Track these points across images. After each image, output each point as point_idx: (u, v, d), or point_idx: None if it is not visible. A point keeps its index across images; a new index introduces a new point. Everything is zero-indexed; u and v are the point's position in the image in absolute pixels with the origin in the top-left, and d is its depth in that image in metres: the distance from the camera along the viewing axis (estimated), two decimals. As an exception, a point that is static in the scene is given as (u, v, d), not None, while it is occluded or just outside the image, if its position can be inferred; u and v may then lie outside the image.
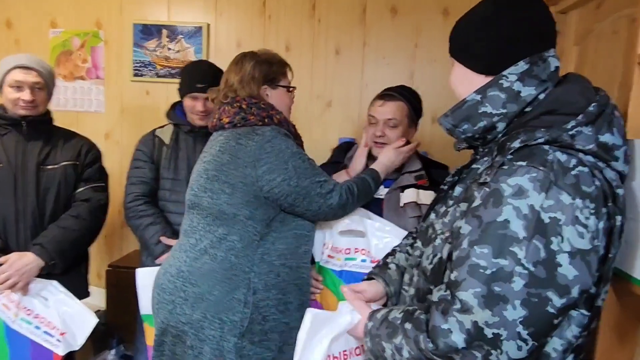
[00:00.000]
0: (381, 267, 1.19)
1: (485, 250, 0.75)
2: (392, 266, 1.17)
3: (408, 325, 0.84)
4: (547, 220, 0.73)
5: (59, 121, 2.76)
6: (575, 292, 0.74)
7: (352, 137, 2.41)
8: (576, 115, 0.80)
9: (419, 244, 1.04)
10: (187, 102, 1.86)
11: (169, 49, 2.57)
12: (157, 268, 1.80)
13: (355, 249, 1.53)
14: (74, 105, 2.69)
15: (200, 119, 1.85)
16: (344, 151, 1.85)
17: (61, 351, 1.59)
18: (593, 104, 0.82)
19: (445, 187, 0.99)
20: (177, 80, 2.62)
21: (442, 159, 1.82)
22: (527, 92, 0.85)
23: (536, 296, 0.73)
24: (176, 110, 1.94)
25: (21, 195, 1.68)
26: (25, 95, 1.65)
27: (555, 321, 0.76)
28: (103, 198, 1.83)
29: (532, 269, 0.73)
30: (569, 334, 0.81)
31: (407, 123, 1.67)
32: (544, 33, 0.89)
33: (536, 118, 0.84)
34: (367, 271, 1.50)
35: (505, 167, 0.79)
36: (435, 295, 0.83)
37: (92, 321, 1.68)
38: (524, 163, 0.77)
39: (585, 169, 0.77)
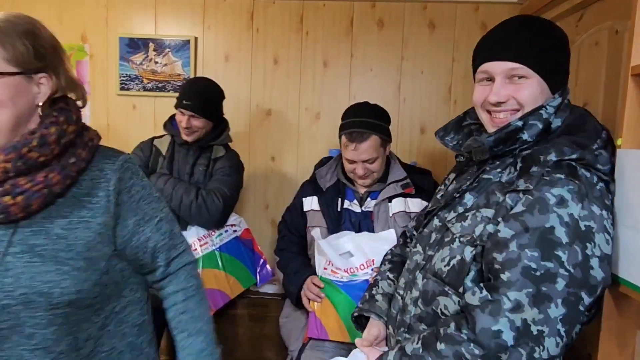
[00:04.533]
0: (369, 301, 1.24)
1: (536, 253, 0.84)
2: (379, 297, 1.23)
3: (440, 346, 0.87)
4: (583, 228, 0.84)
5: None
6: (599, 290, 0.85)
7: (342, 148, 2.41)
8: (590, 139, 0.92)
9: (418, 248, 1.09)
10: (177, 116, 1.89)
11: (156, 62, 2.55)
12: None
13: (357, 267, 1.54)
14: (59, 120, 2.65)
15: (185, 134, 1.88)
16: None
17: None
18: (604, 132, 0.95)
19: (457, 195, 1.04)
20: (164, 94, 2.63)
21: (430, 168, 1.84)
22: (556, 123, 0.96)
23: (573, 295, 0.82)
24: (173, 122, 1.98)
25: None
26: None
27: (582, 318, 0.85)
28: None
29: (572, 270, 0.82)
30: (573, 333, 0.88)
31: (383, 151, 1.70)
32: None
33: (557, 137, 0.95)
34: (369, 278, 1.51)
35: (547, 177, 0.88)
36: (472, 299, 0.88)
37: None
38: (562, 176, 0.87)
39: (603, 185, 0.89)
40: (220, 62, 2.57)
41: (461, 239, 0.95)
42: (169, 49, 2.54)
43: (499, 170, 0.99)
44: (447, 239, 0.99)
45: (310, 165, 1.90)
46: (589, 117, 0.99)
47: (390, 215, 1.67)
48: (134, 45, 2.56)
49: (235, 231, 2.01)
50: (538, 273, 0.83)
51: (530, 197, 0.87)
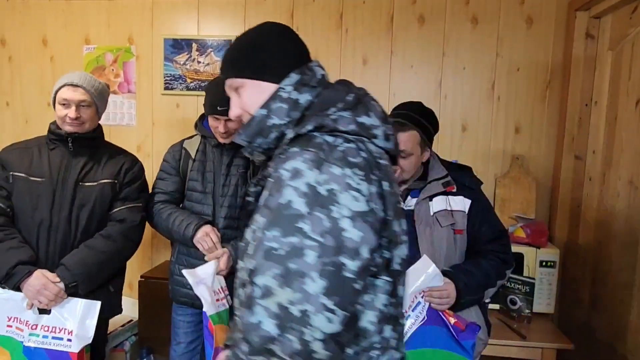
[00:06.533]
0: None
1: (275, 232, 0.80)
2: None
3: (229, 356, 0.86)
4: (324, 193, 0.80)
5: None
6: (365, 252, 0.80)
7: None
8: (329, 104, 0.93)
9: (240, 264, 1.05)
10: (210, 121, 1.87)
11: (199, 62, 2.62)
12: (204, 265, 1.73)
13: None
14: (107, 119, 2.76)
15: (223, 138, 1.86)
16: None
17: (75, 348, 1.64)
18: (350, 94, 0.95)
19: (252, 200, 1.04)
20: (207, 93, 2.67)
21: (473, 167, 1.80)
22: (304, 98, 0.96)
23: (330, 264, 0.77)
24: (204, 122, 1.95)
25: (57, 209, 1.70)
26: (71, 112, 1.69)
27: (356, 285, 0.79)
28: (137, 219, 1.81)
29: (320, 239, 0.78)
30: (379, 304, 0.87)
31: (419, 150, 1.64)
32: (305, 52, 1.05)
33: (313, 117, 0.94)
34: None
35: (283, 155, 0.88)
36: (242, 297, 0.88)
37: (96, 305, 1.70)
38: (297, 149, 0.86)
39: (352, 145, 0.87)
40: (260, 61, 2.60)
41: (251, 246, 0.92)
42: (211, 49, 2.60)
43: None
44: (245, 249, 0.96)
45: (349, 163, 1.90)
46: (344, 86, 0.99)
47: (432, 214, 1.63)
48: (177, 46, 2.63)
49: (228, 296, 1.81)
50: (282, 252, 0.78)
51: (271, 180, 0.87)
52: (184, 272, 1.74)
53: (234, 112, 1.04)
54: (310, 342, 0.75)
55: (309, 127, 0.89)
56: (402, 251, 0.94)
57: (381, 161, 0.91)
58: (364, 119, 0.91)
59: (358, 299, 0.82)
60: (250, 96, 1.00)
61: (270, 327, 0.76)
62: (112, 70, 2.73)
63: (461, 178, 1.68)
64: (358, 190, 0.82)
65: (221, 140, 1.87)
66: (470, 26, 2.43)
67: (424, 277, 1.52)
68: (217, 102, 1.79)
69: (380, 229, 0.86)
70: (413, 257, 1.62)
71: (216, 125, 1.84)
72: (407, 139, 1.60)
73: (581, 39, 2.20)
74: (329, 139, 0.87)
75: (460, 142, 2.49)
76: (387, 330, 0.90)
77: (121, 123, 2.75)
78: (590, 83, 2.20)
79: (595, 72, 2.19)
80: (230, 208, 1.89)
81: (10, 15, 2.81)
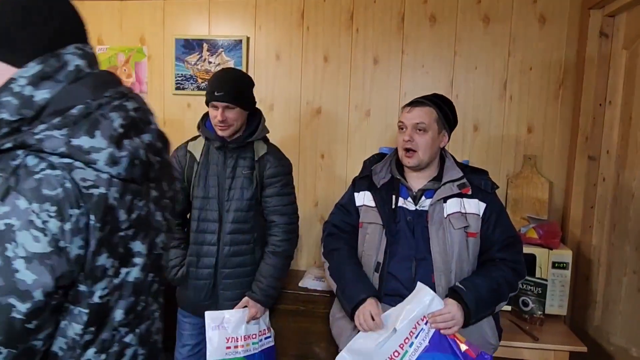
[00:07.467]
0: None
1: None
2: None
3: None
4: (2, 228, 0.73)
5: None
6: (38, 295, 0.75)
7: (392, 146, 2.39)
8: (52, 115, 0.80)
9: None
10: (210, 112, 1.83)
11: (210, 62, 2.63)
12: (224, 312, 1.86)
13: (404, 342, 1.50)
14: (119, 119, 2.78)
15: (220, 129, 1.81)
16: (374, 162, 1.83)
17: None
18: (78, 107, 0.81)
19: None
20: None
21: (483, 167, 1.78)
22: (41, 96, 0.81)
23: None
24: (206, 123, 1.91)
25: None
26: None
27: (29, 325, 0.76)
28: None
29: None
30: (71, 332, 0.83)
31: (436, 129, 1.64)
32: (72, 32, 0.86)
33: (45, 121, 0.81)
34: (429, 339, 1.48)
35: None
36: None
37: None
38: None
39: (54, 172, 0.76)
40: (271, 61, 2.60)
41: None
42: (222, 49, 2.61)
43: None
44: None
45: (360, 163, 1.89)
46: (91, 87, 0.84)
47: (445, 216, 1.62)
48: (188, 46, 2.64)
49: (267, 338, 2.01)
50: None
51: None
52: (206, 313, 1.86)
53: None
54: None
55: (8, 144, 0.77)
56: (106, 284, 0.84)
57: (94, 191, 0.79)
58: (80, 141, 0.79)
59: (35, 336, 0.78)
60: None
61: None
62: (124, 70, 2.75)
63: (477, 181, 1.66)
64: (42, 230, 0.74)
65: (220, 133, 1.82)
66: (482, 25, 2.41)
67: (421, 306, 1.49)
68: (215, 87, 1.78)
69: (76, 267, 0.79)
70: (424, 258, 1.63)
71: (215, 115, 1.79)
72: (424, 112, 1.64)
73: (595, 37, 2.18)
74: (31, 162, 0.76)
75: (472, 141, 2.47)
76: (89, 354, 0.86)
77: (133, 123, 2.77)
78: (605, 82, 2.18)
79: (609, 71, 2.16)
80: (237, 212, 1.85)
81: (24, 16, 2.84)
